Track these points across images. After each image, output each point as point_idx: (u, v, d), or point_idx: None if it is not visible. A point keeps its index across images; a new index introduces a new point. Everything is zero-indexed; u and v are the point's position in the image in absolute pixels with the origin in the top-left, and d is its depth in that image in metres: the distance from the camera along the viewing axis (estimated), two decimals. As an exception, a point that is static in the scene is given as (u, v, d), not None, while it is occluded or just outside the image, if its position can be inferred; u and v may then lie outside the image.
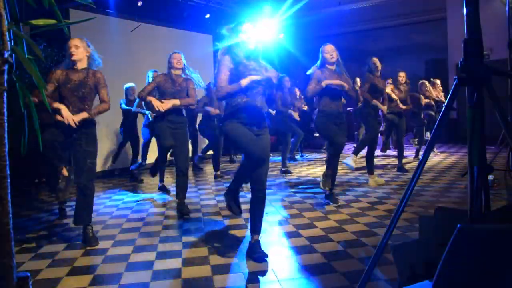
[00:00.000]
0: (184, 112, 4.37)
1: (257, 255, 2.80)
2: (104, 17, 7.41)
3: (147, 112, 5.90)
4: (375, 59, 5.37)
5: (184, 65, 4.24)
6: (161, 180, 5.65)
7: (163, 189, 5.53)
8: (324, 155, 8.30)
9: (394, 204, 4.26)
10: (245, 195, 4.52)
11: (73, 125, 3.14)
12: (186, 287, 2.46)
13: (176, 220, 4.05)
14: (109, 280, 2.60)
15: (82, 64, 3.37)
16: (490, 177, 4.48)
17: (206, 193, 5.35)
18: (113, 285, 2.53)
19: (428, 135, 7.70)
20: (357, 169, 6.10)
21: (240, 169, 3.03)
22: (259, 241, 2.90)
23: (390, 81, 6.68)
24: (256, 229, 2.90)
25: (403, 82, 6.43)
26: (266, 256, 2.80)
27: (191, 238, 3.40)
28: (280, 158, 6.97)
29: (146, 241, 3.40)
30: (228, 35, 2.89)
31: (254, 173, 2.82)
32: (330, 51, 4.20)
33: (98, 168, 6.99)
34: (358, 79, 7.82)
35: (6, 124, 1.41)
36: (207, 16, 9.50)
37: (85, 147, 3.28)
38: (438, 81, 8.33)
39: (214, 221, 3.97)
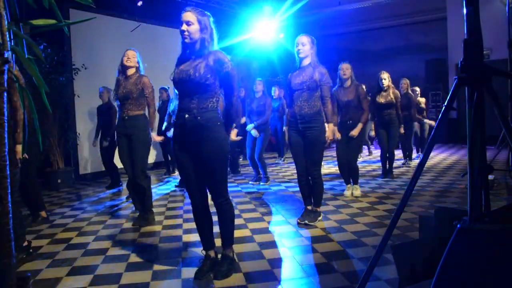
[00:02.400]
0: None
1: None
2: (104, 17, 7.41)
3: None
4: (342, 66, 4.65)
5: (139, 63, 4.00)
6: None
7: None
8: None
9: (394, 204, 4.26)
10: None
11: None
12: (186, 287, 2.46)
13: (176, 219, 4.05)
14: (109, 280, 2.59)
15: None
16: (490, 177, 4.48)
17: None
18: (113, 285, 2.53)
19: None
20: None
21: None
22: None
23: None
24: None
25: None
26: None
27: (192, 238, 3.40)
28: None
29: (146, 241, 3.40)
30: None
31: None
32: (298, 43, 3.59)
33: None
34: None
35: (6, 124, 1.41)
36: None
37: None
38: (417, 89, 7.87)
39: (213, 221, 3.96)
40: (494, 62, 8.92)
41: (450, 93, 1.48)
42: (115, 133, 4.06)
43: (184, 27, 2.39)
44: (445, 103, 1.51)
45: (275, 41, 11.66)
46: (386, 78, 5.80)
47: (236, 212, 4.26)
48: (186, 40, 2.42)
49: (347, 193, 4.84)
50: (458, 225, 1.28)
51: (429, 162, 7.05)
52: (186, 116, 2.41)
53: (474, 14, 1.40)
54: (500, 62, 7.77)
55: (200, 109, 2.41)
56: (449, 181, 5.47)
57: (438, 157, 7.98)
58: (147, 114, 4.02)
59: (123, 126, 3.90)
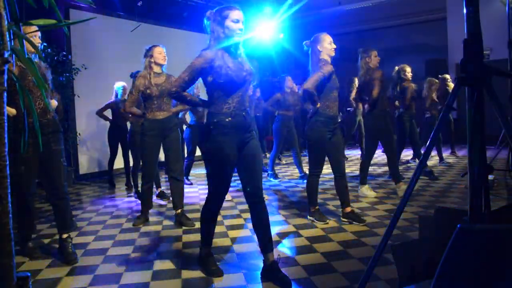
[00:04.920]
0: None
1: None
2: (104, 17, 7.41)
3: None
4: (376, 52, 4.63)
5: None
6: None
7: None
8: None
9: (394, 204, 4.26)
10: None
11: None
12: (186, 287, 2.46)
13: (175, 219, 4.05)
14: (109, 280, 2.59)
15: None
16: (490, 177, 4.48)
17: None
18: (113, 285, 2.53)
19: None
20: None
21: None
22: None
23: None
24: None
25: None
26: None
27: (191, 238, 3.39)
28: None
29: (146, 241, 3.40)
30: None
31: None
32: (332, 41, 3.59)
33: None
34: (356, 79, 6.75)
35: (6, 124, 1.41)
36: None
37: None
38: (447, 76, 7.48)
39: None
40: (494, 62, 8.92)
41: (450, 93, 1.48)
42: (144, 134, 3.80)
43: (242, 25, 2.49)
44: (445, 103, 1.51)
45: (275, 41, 11.65)
46: None
47: (236, 212, 4.25)
48: (239, 39, 2.50)
49: (371, 193, 4.72)
50: (458, 225, 1.28)
51: (429, 162, 7.04)
52: (244, 114, 2.48)
53: (474, 14, 1.40)
54: (500, 62, 7.76)
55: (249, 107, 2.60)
56: (449, 181, 5.47)
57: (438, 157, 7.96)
58: None
59: (159, 127, 3.76)
